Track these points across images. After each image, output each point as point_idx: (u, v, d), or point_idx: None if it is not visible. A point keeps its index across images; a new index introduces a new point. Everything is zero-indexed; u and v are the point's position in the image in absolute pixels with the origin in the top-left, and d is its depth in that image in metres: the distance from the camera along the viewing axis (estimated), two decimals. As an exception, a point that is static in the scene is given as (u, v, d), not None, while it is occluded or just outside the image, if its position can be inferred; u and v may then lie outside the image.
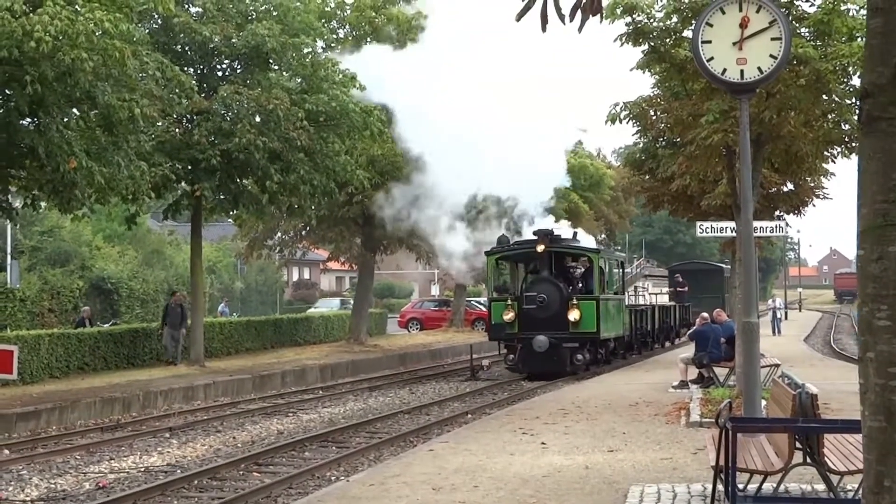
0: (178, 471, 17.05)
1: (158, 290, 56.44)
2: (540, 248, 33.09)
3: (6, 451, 18.97)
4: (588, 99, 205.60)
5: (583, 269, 34.74)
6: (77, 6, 21.44)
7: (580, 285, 34.10)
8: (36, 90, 21.45)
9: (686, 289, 55.56)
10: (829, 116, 21.74)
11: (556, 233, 35.22)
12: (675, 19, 21.53)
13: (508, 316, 32.65)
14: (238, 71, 32.47)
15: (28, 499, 14.94)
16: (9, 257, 49.02)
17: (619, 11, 21.25)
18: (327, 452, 19.00)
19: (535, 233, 34.42)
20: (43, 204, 26.29)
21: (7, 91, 22.75)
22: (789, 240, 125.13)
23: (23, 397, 23.95)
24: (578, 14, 6.05)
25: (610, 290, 35.55)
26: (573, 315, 32.17)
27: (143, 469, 17.43)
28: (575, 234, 37.50)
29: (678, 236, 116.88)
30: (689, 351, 27.47)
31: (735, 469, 9.29)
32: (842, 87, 20.24)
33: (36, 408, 22.61)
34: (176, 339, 33.39)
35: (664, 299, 60.03)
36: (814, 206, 33.15)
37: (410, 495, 12.37)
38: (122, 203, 28.46)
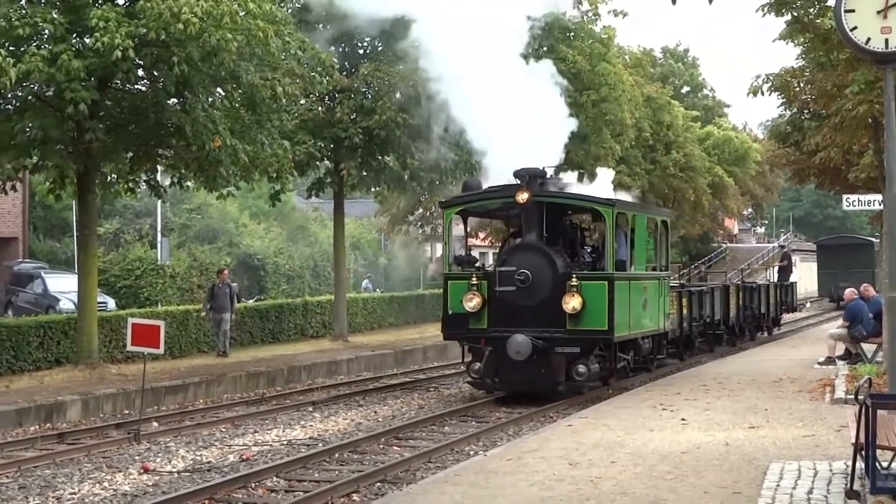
0: (320, 444, 17.30)
1: (304, 267, 57.38)
2: (522, 196, 21.64)
3: (155, 424, 19.46)
4: (728, 73, 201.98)
5: (597, 233, 24.75)
6: (221, -13, 21.81)
7: (590, 258, 23.37)
8: (182, 71, 21.95)
9: (786, 263, 48.63)
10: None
11: (550, 175, 23.18)
12: (819, -12, 21.10)
13: (472, 303, 21.72)
14: (379, 48, 32.64)
15: (174, 470, 15.32)
16: (159, 235, 50.28)
17: (760, -19, 20.93)
18: (466, 427, 19.09)
19: (515, 174, 22.30)
20: (189, 183, 26.83)
21: (155, 72, 23.33)
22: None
23: (171, 371, 24.59)
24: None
25: (639, 264, 23.93)
26: (571, 303, 21.05)
27: (285, 442, 17.73)
28: (581, 174, 25.58)
29: (828, 210, 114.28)
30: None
31: (875, 446, 9.10)
32: None
33: (184, 381, 23.19)
34: (224, 325, 28.77)
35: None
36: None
37: (546, 470, 12.38)
38: (266, 181, 28.91)
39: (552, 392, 21.72)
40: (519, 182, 21.99)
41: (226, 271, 31.51)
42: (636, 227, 23.55)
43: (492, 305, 21.79)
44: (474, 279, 21.95)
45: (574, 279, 21.19)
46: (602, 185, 25.97)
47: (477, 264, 23.87)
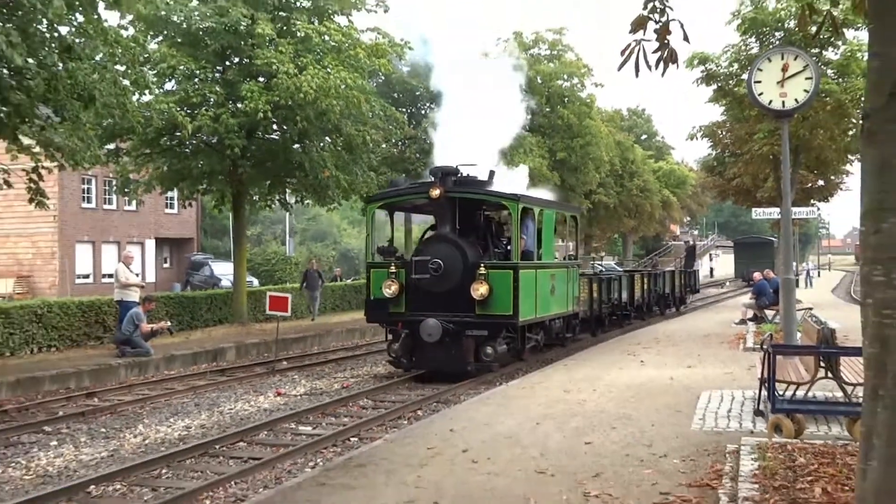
0: (395, 377, 17.26)
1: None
2: (435, 192, 16.63)
3: (284, 363, 19.53)
4: (669, 122, 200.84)
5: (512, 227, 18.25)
6: (329, 69, 21.89)
7: (504, 248, 18.18)
8: (303, 126, 22.05)
9: (687, 254, 44.78)
10: (849, 133, 20.88)
11: (465, 172, 17.38)
12: (735, 66, 20.97)
13: (391, 290, 16.89)
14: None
15: (298, 394, 15.37)
16: (287, 235, 50.58)
17: (695, 62, 20.80)
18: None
19: (430, 171, 17.63)
20: (308, 201, 26.96)
21: (284, 126, 23.44)
22: (821, 221, 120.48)
23: (295, 328, 24.69)
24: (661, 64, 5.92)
25: (547, 254, 18.49)
26: (480, 290, 16.26)
27: (373, 376, 17.72)
28: (491, 173, 17.76)
29: (741, 218, 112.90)
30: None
31: (774, 381, 8.99)
32: (857, 111, 19.31)
33: (304, 335, 23.25)
34: (314, 298, 28.43)
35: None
36: (839, 196, 31.71)
37: (549, 395, 12.33)
38: (359, 199, 29.00)
39: (463, 371, 16.58)
40: (433, 178, 17.20)
41: (314, 260, 30.92)
42: (544, 220, 18.32)
43: (409, 292, 17.02)
44: (393, 268, 17.10)
45: (482, 268, 16.37)
46: (517, 180, 20.57)
47: (398, 254, 18.33)
